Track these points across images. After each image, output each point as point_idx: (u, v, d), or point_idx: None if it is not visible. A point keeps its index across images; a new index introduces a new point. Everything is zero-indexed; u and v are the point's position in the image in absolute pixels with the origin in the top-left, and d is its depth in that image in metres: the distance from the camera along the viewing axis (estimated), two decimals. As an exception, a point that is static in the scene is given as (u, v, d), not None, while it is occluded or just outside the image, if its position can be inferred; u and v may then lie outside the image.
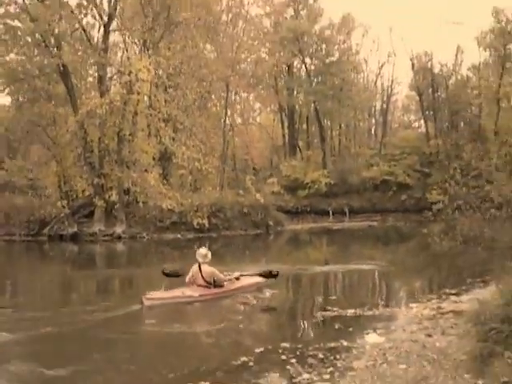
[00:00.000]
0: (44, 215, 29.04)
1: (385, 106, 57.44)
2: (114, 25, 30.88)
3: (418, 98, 51.50)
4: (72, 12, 28.39)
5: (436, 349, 7.47)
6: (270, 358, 7.68)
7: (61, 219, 28.80)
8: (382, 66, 56.24)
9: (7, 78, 30.60)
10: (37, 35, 28.30)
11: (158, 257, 23.45)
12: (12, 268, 20.31)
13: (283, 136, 54.48)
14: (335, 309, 10.63)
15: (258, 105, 52.21)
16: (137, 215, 29.07)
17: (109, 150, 29.45)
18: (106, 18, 29.66)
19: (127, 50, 33.30)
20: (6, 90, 31.82)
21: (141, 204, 28.81)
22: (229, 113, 39.11)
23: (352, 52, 53.66)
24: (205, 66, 33.68)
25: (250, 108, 48.19)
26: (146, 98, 30.01)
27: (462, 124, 50.30)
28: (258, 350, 7.97)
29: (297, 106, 54.36)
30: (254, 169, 48.35)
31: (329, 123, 55.26)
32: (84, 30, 30.06)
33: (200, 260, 11.96)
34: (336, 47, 51.97)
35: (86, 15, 29.89)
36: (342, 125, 56.12)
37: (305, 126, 55.07)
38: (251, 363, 7.43)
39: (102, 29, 30.63)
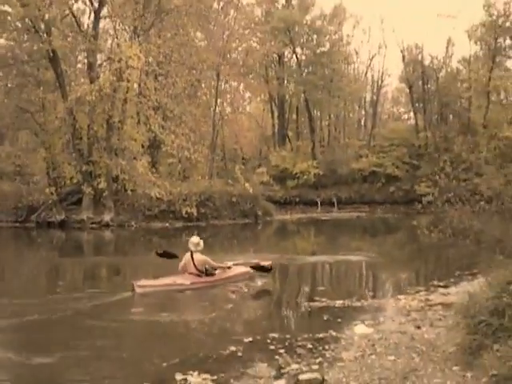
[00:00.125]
0: (32, 202, 28.84)
1: (375, 97, 57.51)
2: (104, 11, 30.65)
3: (407, 90, 51.65)
4: (62, -3, 28.12)
5: (425, 340, 7.50)
6: (259, 347, 7.70)
7: (49, 206, 28.63)
8: (372, 57, 56.39)
9: (-4, 63, 30.30)
10: (27, 20, 27.93)
11: (146, 245, 23.36)
12: (-2, 254, 20.18)
13: (273, 126, 54.50)
14: (324, 299, 10.65)
15: (248, 94, 52.03)
16: (125, 203, 28.93)
17: (98, 137, 29.27)
18: (96, 4, 29.39)
19: (117, 37, 33.01)
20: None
21: (129, 192, 28.64)
22: (219, 102, 38.96)
23: (343, 43, 53.67)
24: (195, 54, 33.45)
25: (240, 97, 47.94)
26: (135, 85, 29.78)
27: (451, 117, 50.54)
28: (246, 340, 7.98)
29: (287, 96, 54.32)
30: (243, 158, 48.42)
31: (318, 114, 55.31)
32: (74, 16, 29.87)
33: (192, 248, 12.00)
34: (327, 38, 51.90)
35: (76, 1, 29.73)
36: (332, 115, 56.22)
37: (294, 116, 55.05)
38: (240, 353, 7.44)
39: (92, 15, 30.46)
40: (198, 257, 11.96)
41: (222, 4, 39.05)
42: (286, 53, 52.94)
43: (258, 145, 55.12)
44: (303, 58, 52.43)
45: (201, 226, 27.72)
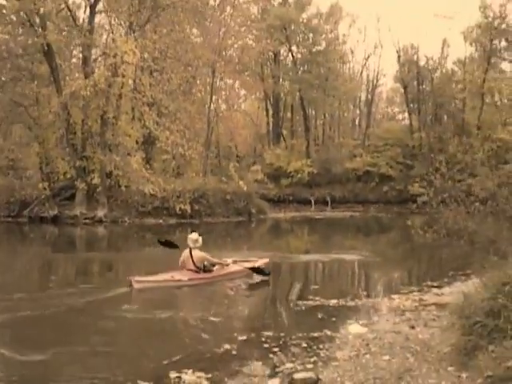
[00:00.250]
0: (25, 197, 28.78)
1: (369, 97, 57.63)
2: (100, 6, 30.67)
3: (402, 90, 51.75)
4: (58, -9, 28.03)
5: (419, 341, 7.49)
6: (254, 346, 7.67)
7: (42, 201, 28.56)
8: (368, 57, 56.57)
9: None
10: (22, 14, 27.85)
11: (140, 241, 23.34)
12: (-9, 249, 20.08)
13: (267, 124, 54.53)
14: (318, 298, 10.63)
15: (243, 92, 52.12)
16: (119, 199, 28.87)
17: (92, 132, 29.24)
18: (92, -1, 29.32)
19: (113, 32, 33.01)
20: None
21: (123, 188, 28.57)
22: (214, 99, 38.88)
23: (339, 42, 53.79)
24: (191, 51, 33.38)
25: (235, 95, 47.89)
26: (130, 81, 29.76)
27: (445, 117, 50.65)
28: (241, 338, 7.98)
29: (282, 94, 54.37)
30: (237, 156, 48.41)
31: (313, 112, 55.42)
32: (70, 10, 29.80)
33: (191, 245, 12.06)
34: (323, 36, 52.03)
35: (72, -5, 29.60)
36: (327, 114, 56.34)
37: (289, 114, 55.13)
38: (235, 351, 7.41)
39: (87, 9, 30.41)
40: (196, 253, 12.02)
41: (218, 1, 38.96)
42: (281, 51, 52.99)
43: (252, 143, 55.18)
44: (299, 56, 52.49)
45: (194, 223, 27.66)
